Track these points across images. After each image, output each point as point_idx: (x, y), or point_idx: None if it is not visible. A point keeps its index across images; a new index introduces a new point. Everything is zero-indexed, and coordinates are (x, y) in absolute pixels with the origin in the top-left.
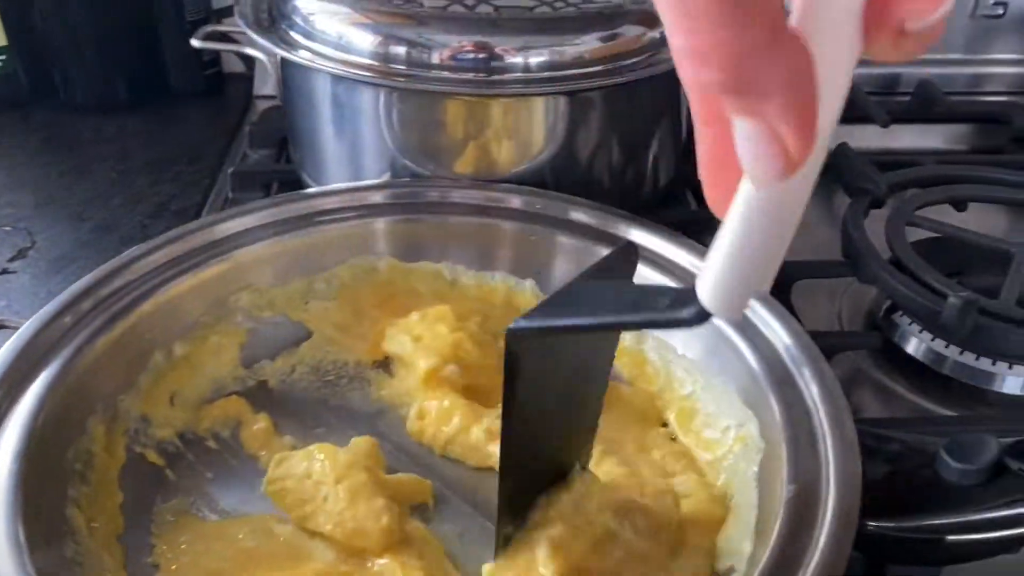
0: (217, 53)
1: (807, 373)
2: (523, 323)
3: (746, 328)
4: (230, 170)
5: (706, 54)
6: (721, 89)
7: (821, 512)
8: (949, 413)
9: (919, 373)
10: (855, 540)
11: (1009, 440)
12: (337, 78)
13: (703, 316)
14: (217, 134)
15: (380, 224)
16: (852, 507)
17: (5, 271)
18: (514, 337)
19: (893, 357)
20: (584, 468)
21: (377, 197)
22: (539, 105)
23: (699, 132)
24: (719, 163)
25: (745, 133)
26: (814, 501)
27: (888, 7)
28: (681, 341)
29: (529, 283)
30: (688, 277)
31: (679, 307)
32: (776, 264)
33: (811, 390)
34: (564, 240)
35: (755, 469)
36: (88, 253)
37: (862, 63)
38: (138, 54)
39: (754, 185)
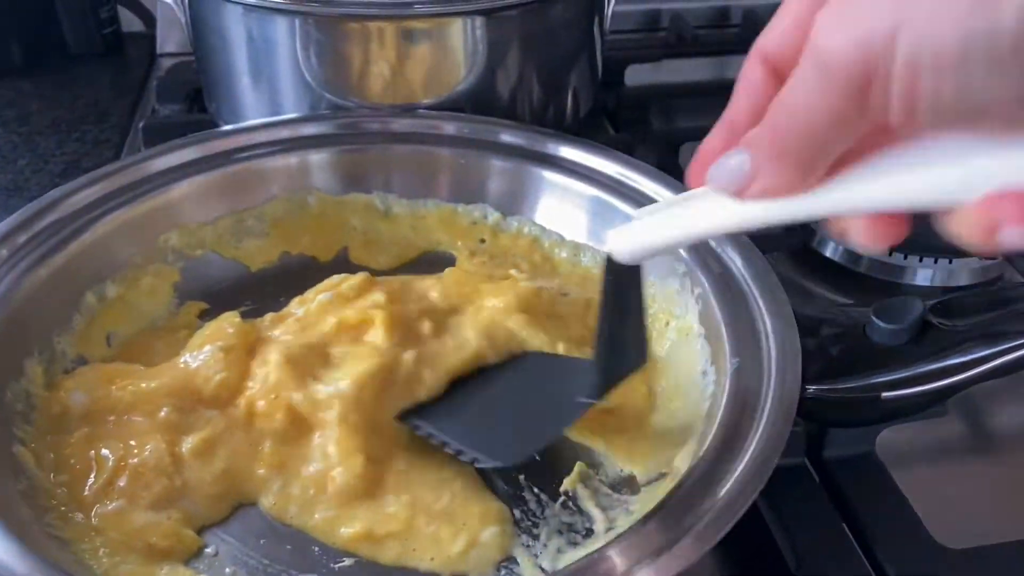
0: (115, 12)
1: (737, 258)
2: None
3: None
4: (141, 123)
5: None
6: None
7: (766, 381)
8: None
9: (838, 275)
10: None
11: (931, 301)
12: (250, 9)
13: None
14: (122, 92)
15: (311, 157)
16: (795, 374)
17: None
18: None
19: (812, 262)
20: None
21: (307, 129)
22: (457, 28)
23: None
24: None
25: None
26: (757, 373)
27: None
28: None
29: (462, 207)
30: (618, 186)
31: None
32: None
33: (740, 269)
34: (497, 163)
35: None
36: None
37: None
38: (31, 15)
39: None
